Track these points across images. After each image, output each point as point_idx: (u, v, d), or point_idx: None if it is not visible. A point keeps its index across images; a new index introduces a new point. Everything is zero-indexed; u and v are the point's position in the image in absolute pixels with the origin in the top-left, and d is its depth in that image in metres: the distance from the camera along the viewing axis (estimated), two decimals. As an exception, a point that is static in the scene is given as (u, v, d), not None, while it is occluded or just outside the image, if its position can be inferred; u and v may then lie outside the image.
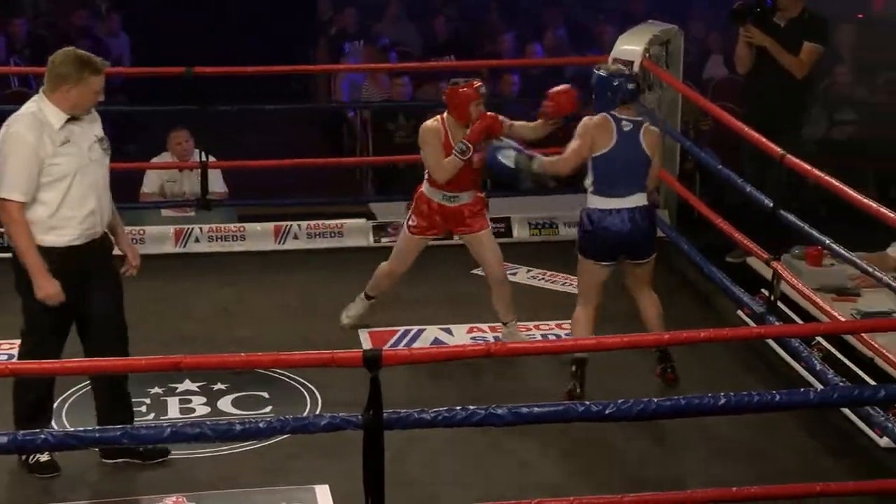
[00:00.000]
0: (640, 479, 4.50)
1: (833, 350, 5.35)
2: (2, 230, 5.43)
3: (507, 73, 8.86)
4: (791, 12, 6.75)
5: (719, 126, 7.11)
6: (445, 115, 5.51)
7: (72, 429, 3.94)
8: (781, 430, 4.92)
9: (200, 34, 11.18)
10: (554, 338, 5.86)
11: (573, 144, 5.18)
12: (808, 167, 5.28)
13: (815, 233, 5.23)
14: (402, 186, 7.88)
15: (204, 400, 5.18)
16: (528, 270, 6.73)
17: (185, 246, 7.06)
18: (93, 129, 4.47)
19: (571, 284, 6.48)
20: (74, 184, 4.37)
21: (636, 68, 6.79)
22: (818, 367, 5.06)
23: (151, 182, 7.48)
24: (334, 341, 5.46)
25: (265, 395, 5.23)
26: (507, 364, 5.41)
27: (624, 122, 5.10)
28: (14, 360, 5.14)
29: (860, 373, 5.14)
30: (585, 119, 5.20)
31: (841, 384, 4.83)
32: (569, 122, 5.70)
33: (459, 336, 5.91)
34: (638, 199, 5.12)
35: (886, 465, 4.72)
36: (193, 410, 5.10)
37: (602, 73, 5.20)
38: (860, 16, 10.18)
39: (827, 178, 5.07)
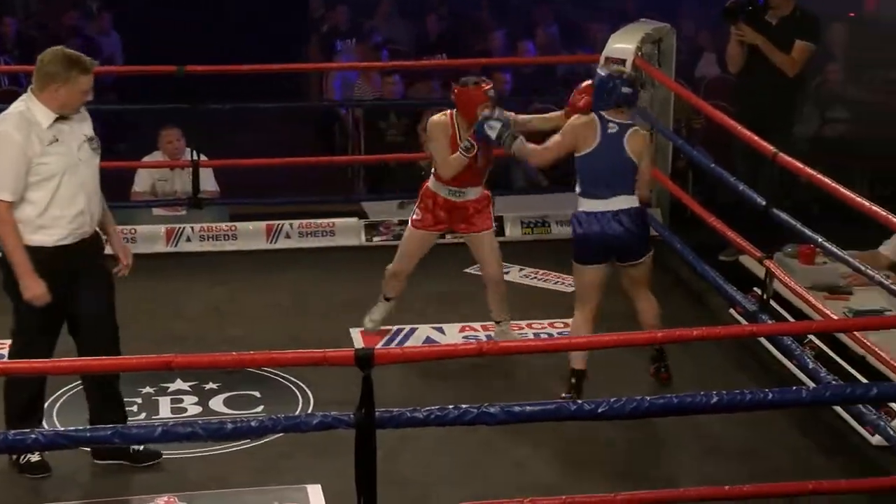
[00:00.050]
0: (632, 478, 4.50)
1: (825, 348, 5.35)
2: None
3: (498, 71, 8.85)
4: (783, 10, 6.76)
5: (711, 124, 7.11)
6: (454, 111, 5.48)
7: (62, 428, 3.92)
8: (774, 428, 4.93)
9: (192, 33, 11.17)
10: (546, 336, 5.85)
11: (555, 138, 5.17)
12: (800, 165, 5.28)
13: (807, 231, 5.24)
14: (393, 185, 7.88)
15: (195, 399, 5.17)
16: (521, 269, 6.73)
17: (176, 245, 7.04)
18: (82, 128, 4.45)
19: (564, 283, 6.48)
20: (63, 183, 4.35)
21: (628, 66, 6.78)
22: (810, 365, 5.06)
23: (142, 181, 7.46)
24: (326, 340, 5.45)
25: (257, 394, 5.22)
26: (499, 363, 5.40)
27: (611, 125, 5.05)
28: (4, 359, 5.11)
29: (852, 371, 5.14)
30: (574, 117, 5.20)
31: (833, 382, 4.84)
32: None
33: (451, 335, 5.90)
34: (623, 202, 5.05)
35: (878, 463, 4.72)
36: (185, 410, 5.09)
37: (602, 73, 5.15)
38: (852, 14, 10.19)
39: (819, 176, 5.07)
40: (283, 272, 6.74)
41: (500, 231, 7.21)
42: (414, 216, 5.62)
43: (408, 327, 5.93)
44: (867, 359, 5.08)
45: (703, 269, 6.15)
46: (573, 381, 5.13)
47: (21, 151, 4.29)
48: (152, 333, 5.71)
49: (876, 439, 4.79)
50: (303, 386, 5.26)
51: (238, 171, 7.72)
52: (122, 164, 7.43)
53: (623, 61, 6.85)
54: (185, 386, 5.26)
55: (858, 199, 4.71)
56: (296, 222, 7.17)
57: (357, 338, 5.82)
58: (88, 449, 4.56)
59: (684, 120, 8.07)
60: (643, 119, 6.47)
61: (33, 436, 3.41)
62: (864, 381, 4.94)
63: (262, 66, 7.59)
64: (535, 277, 6.65)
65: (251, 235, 7.13)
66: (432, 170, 5.57)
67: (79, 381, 4.93)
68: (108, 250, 4.65)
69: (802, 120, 7.72)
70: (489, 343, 4.96)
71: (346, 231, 7.21)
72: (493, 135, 5.26)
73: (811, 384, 4.99)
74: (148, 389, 5.20)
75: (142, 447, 4.57)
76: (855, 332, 5.00)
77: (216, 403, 5.15)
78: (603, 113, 5.07)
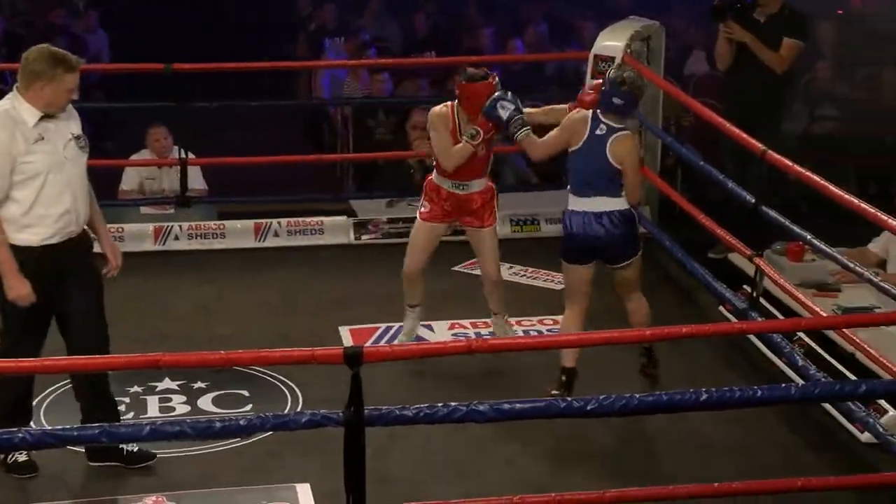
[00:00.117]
0: (622, 475, 4.49)
1: (814, 345, 5.36)
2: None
3: (487, 68, 8.82)
4: (771, 8, 6.76)
5: (700, 122, 7.11)
6: (455, 103, 5.43)
7: (50, 428, 3.90)
8: (763, 425, 4.93)
9: (179, 30, 11.14)
10: (536, 334, 5.84)
11: (553, 132, 5.13)
12: (788, 163, 5.28)
13: (796, 228, 5.24)
14: (382, 183, 7.87)
15: (184, 398, 5.15)
16: (510, 267, 6.71)
17: (164, 244, 7.02)
18: (69, 126, 4.42)
19: (553, 281, 6.48)
20: (48, 182, 4.32)
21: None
22: (800, 362, 5.07)
23: (130, 179, 7.44)
24: (315, 339, 5.44)
25: (245, 393, 5.20)
26: (489, 360, 5.40)
27: (601, 126, 5.00)
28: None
29: (841, 368, 5.15)
30: (573, 112, 5.17)
31: (822, 380, 4.84)
32: None
33: (441, 332, 5.89)
34: (607, 203, 5.00)
35: (867, 460, 4.73)
36: (173, 409, 5.07)
37: (610, 73, 5.07)
38: (840, 12, 10.21)
39: (808, 173, 5.07)
40: (271, 270, 6.73)
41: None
42: (422, 209, 5.54)
43: (397, 325, 5.91)
44: (856, 356, 5.09)
45: (693, 266, 6.15)
46: (563, 378, 5.12)
47: (5, 150, 4.27)
48: (140, 332, 5.69)
49: (865, 436, 4.79)
50: (291, 384, 5.25)
51: (226, 169, 7.70)
52: (110, 163, 7.40)
53: (612, 59, 6.86)
54: (173, 385, 5.24)
55: (847, 197, 4.71)
56: (284, 221, 7.15)
57: (346, 336, 5.81)
58: (77, 449, 4.54)
59: (673, 117, 8.07)
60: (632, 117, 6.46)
61: (20, 435, 3.39)
62: (854, 378, 4.95)
63: (251, 63, 7.57)
64: (525, 275, 6.64)
65: (239, 234, 7.11)
66: (433, 163, 5.52)
67: (66, 381, 4.91)
68: (97, 248, 4.62)
69: (791, 117, 7.74)
70: (478, 341, 4.97)
71: (335, 229, 7.20)
72: (504, 115, 5.16)
73: (800, 381, 4.99)
74: (136, 389, 5.18)
75: (135, 448, 4.55)
76: (844, 330, 5.01)
77: (205, 402, 5.13)
78: (598, 112, 5.03)
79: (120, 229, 6.85)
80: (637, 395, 3.61)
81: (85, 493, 4.44)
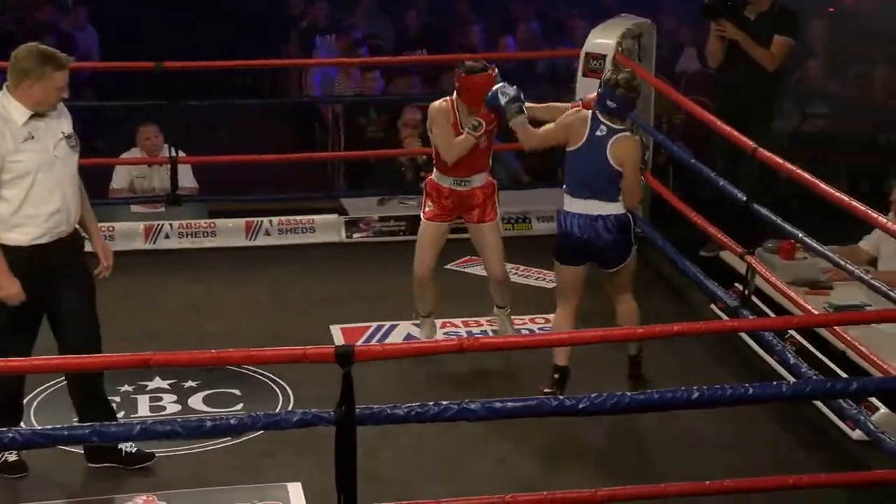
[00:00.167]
0: (614, 474, 4.49)
1: (806, 343, 5.37)
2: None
3: (484, 63, 8.82)
4: (761, 6, 6.77)
5: (692, 120, 7.11)
6: (454, 96, 5.40)
7: (39, 427, 3.88)
8: (755, 423, 4.93)
9: (170, 28, 11.11)
10: (528, 332, 5.83)
11: (551, 126, 5.10)
12: (779, 161, 5.29)
13: (787, 226, 5.24)
14: (373, 181, 7.86)
15: (175, 398, 5.14)
16: (501, 265, 6.71)
17: (154, 242, 7.00)
18: (60, 125, 4.40)
19: (545, 279, 6.48)
20: (38, 181, 4.30)
21: (608, 62, 6.78)
22: (791, 360, 5.07)
23: (120, 178, 7.41)
24: (306, 337, 5.43)
25: (236, 392, 5.19)
26: (481, 359, 5.39)
27: (601, 127, 4.96)
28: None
29: (832, 366, 5.15)
30: (573, 110, 5.15)
31: (814, 377, 4.85)
32: None
33: (432, 331, 5.88)
34: (602, 207, 4.97)
35: (858, 457, 4.73)
36: (164, 408, 5.06)
37: (605, 75, 5.04)
38: (831, 10, 10.22)
39: (799, 171, 5.07)
40: (262, 269, 6.71)
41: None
42: (425, 209, 5.51)
43: (388, 324, 5.91)
44: (847, 354, 5.09)
45: (684, 264, 6.15)
46: (555, 376, 5.12)
47: (-7, 149, 4.25)
48: (130, 331, 5.67)
49: (856, 434, 4.80)
50: (283, 383, 5.24)
51: (217, 167, 7.68)
52: (100, 161, 7.37)
53: (603, 56, 6.86)
54: (163, 384, 5.23)
55: (838, 195, 4.72)
56: (275, 219, 7.14)
57: (337, 334, 5.80)
58: (68, 449, 4.52)
59: (665, 115, 8.07)
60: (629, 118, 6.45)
61: (10, 434, 3.38)
62: (845, 375, 4.96)
63: (242, 61, 7.55)
64: (516, 273, 6.63)
65: (230, 232, 7.09)
66: (433, 161, 5.50)
67: (56, 380, 4.90)
68: (88, 248, 4.60)
69: (782, 115, 7.74)
70: (470, 339, 4.96)
71: (326, 228, 7.19)
72: (503, 101, 5.14)
73: (792, 379, 4.99)
74: (126, 388, 5.16)
75: (134, 449, 4.53)
76: (835, 328, 5.01)
77: (195, 401, 5.12)
78: (598, 113, 4.98)
79: (110, 228, 6.83)
80: (629, 394, 3.61)
81: (76, 492, 4.43)
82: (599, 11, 9.15)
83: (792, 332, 5.41)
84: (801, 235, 5.14)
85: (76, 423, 4.39)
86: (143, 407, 5.06)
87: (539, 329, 5.86)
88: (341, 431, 3.41)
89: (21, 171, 4.29)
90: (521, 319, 5.97)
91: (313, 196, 7.66)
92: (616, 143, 4.95)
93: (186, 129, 7.32)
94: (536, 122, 5.26)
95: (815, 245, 5.04)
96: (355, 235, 7.17)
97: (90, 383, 4.53)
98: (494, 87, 5.21)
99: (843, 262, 4.91)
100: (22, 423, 4.63)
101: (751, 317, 5.49)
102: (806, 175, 4.99)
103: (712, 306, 6.09)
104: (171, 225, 7.03)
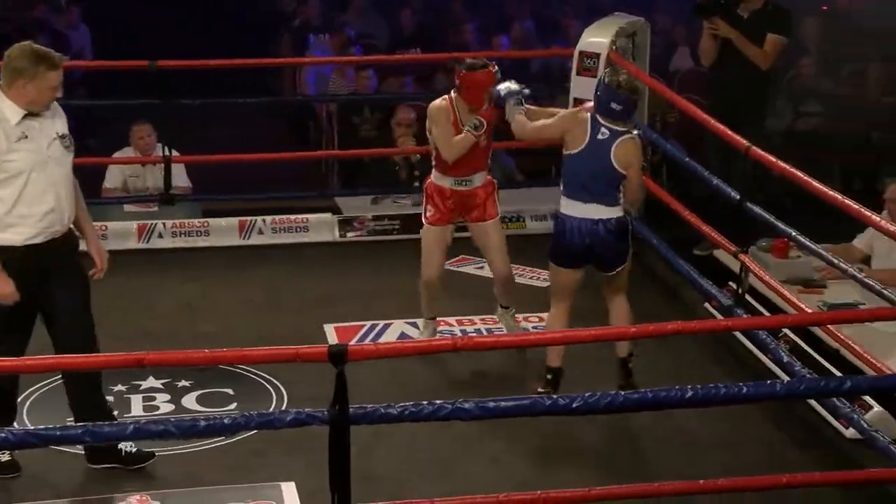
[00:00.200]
0: (608, 473, 4.49)
1: (800, 342, 5.37)
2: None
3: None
4: (754, 4, 6.77)
5: (685, 118, 7.12)
6: (454, 95, 5.38)
7: (32, 427, 3.87)
8: (748, 422, 4.93)
9: (163, 27, 11.09)
10: (521, 331, 5.83)
11: (548, 121, 5.07)
12: (773, 159, 5.29)
13: (781, 225, 5.24)
14: (367, 180, 7.85)
15: (168, 397, 5.13)
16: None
17: (148, 242, 6.99)
18: (54, 125, 4.39)
19: (539, 278, 6.47)
20: (31, 181, 4.29)
21: (602, 61, 6.78)
22: (785, 359, 5.07)
23: (114, 177, 7.40)
24: (300, 336, 5.43)
25: (230, 391, 5.19)
26: (475, 358, 5.39)
27: (602, 130, 4.90)
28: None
29: (826, 364, 5.16)
30: (572, 110, 5.13)
31: (807, 376, 4.85)
32: None
33: (426, 330, 5.88)
34: (602, 211, 4.94)
35: (852, 456, 4.74)
36: (157, 408, 5.05)
37: (605, 77, 4.96)
38: (824, 8, 10.23)
39: (792, 170, 5.08)
40: (255, 268, 6.71)
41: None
42: (427, 213, 5.49)
43: (382, 323, 5.91)
44: (841, 352, 5.10)
45: (678, 263, 6.15)
46: (549, 376, 5.11)
47: (-14, 148, 4.24)
48: (124, 330, 5.66)
49: (850, 432, 4.80)
50: (276, 383, 5.23)
51: (210, 166, 7.67)
52: (93, 161, 7.36)
53: (597, 55, 6.85)
54: (157, 384, 5.22)
55: (831, 193, 4.72)
56: (269, 218, 7.13)
57: (331, 334, 5.80)
58: (61, 449, 4.51)
59: (659, 114, 8.06)
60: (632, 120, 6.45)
61: (2, 434, 3.37)
62: (838, 374, 4.96)
63: (235, 60, 7.54)
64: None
65: (224, 231, 7.08)
66: (433, 161, 5.49)
67: (50, 379, 4.88)
68: (83, 247, 4.59)
69: (776, 114, 7.75)
70: (463, 338, 4.94)
71: (320, 227, 7.18)
72: (502, 92, 5.15)
73: (786, 378, 5.00)
74: (120, 387, 5.16)
75: (133, 449, 4.52)
76: (829, 326, 5.01)
77: (189, 401, 5.11)
78: (598, 116, 4.93)
79: (103, 227, 6.81)
80: (622, 393, 3.62)
81: (69, 492, 4.42)
82: (593, 10, 9.14)
83: (786, 330, 5.41)
84: (794, 234, 5.15)
85: (69, 423, 4.38)
86: (137, 406, 5.05)
87: (533, 328, 5.86)
88: (335, 431, 3.41)
89: (14, 170, 4.27)
90: (516, 318, 5.97)
91: (307, 195, 7.65)
92: (620, 145, 4.90)
93: (180, 128, 7.31)
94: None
95: (809, 243, 5.05)
96: (349, 234, 7.17)
97: (85, 383, 4.52)
98: (499, 84, 5.21)
99: (836, 261, 4.91)
100: (15, 423, 4.62)
101: (745, 315, 5.49)
102: (799, 173, 4.99)
103: (706, 305, 6.09)
104: (164, 224, 7.02)
